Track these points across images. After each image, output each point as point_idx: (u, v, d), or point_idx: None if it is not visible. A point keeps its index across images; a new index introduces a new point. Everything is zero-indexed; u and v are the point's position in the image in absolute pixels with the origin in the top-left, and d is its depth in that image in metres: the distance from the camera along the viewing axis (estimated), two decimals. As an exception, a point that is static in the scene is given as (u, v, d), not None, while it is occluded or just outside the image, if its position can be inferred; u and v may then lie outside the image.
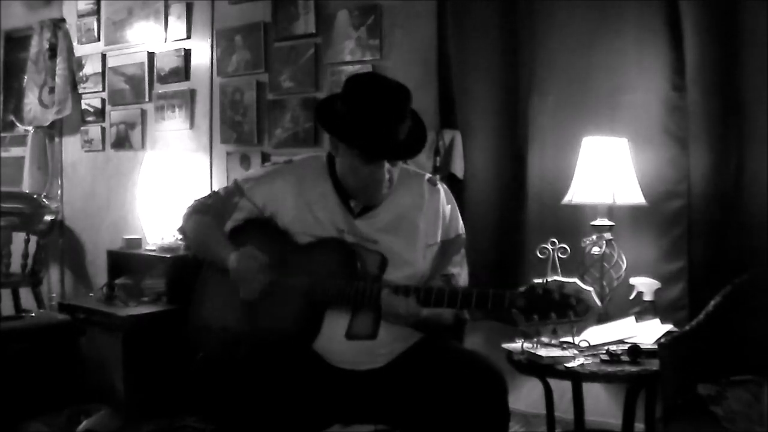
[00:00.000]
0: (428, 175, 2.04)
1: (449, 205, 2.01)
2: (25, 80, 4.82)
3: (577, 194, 2.66)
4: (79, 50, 4.68)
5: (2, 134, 5.08)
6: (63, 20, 4.70)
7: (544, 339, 2.36)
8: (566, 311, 1.64)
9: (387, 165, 1.83)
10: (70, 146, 4.79)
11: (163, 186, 4.07)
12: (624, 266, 2.64)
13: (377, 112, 1.80)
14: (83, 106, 4.67)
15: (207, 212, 2.07)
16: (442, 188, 2.02)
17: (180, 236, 2.23)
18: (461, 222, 2.04)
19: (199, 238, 2.07)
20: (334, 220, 1.93)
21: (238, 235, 2.03)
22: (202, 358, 2.07)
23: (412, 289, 1.78)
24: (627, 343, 2.31)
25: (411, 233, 1.93)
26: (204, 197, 2.14)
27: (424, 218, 1.95)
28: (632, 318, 2.53)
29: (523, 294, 1.67)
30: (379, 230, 1.92)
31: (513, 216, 3.07)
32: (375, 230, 1.92)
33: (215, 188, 2.40)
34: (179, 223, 2.15)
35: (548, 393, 2.60)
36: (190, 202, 2.15)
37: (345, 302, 1.86)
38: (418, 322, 1.86)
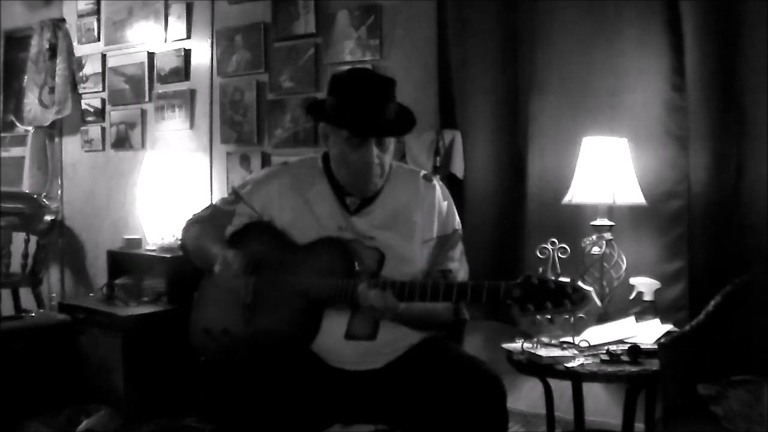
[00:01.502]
0: (423, 172, 2.05)
1: (445, 201, 2.01)
2: (25, 80, 4.82)
3: (577, 194, 2.66)
4: (79, 50, 4.68)
5: (2, 134, 5.08)
6: (63, 20, 4.70)
7: (544, 339, 2.36)
8: (562, 300, 1.64)
9: (376, 151, 1.85)
10: (70, 146, 4.79)
11: (163, 186, 4.07)
12: (624, 266, 2.63)
13: (362, 93, 1.84)
14: (83, 106, 4.66)
15: (205, 222, 2.09)
16: (437, 184, 2.03)
17: (181, 251, 2.23)
18: (458, 218, 2.04)
19: (197, 247, 2.07)
20: (332, 218, 1.94)
21: (238, 239, 2.03)
22: (204, 362, 2.07)
23: (389, 282, 1.78)
24: (627, 343, 2.31)
25: (407, 229, 1.94)
26: (202, 210, 2.15)
27: (420, 214, 1.96)
28: (632, 318, 2.53)
29: (519, 284, 1.67)
30: (375, 227, 1.92)
31: (513, 216, 3.07)
32: (371, 227, 1.92)
33: (212, 196, 2.40)
34: (179, 238, 2.17)
35: (548, 393, 2.60)
36: (188, 216, 2.16)
37: (332, 300, 1.86)
38: (409, 317, 1.86)
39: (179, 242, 2.19)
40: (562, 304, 1.63)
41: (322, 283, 1.86)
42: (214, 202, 2.17)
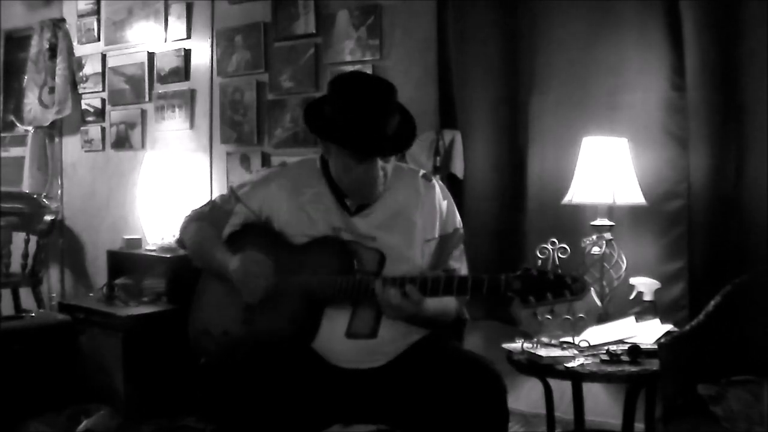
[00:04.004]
0: (423, 171, 2.05)
1: (445, 201, 2.01)
2: (25, 80, 4.82)
3: (577, 194, 2.66)
4: (79, 50, 4.68)
5: (2, 134, 5.08)
6: (63, 20, 4.70)
7: (544, 339, 2.37)
8: (562, 290, 1.64)
9: (380, 162, 1.84)
10: (70, 146, 4.79)
11: (163, 186, 4.07)
12: (624, 266, 2.63)
13: (363, 110, 1.81)
14: (83, 106, 4.67)
15: (204, 220, 2.09)
16: (437, 184, 2.03)
17: (179, 247, 2.23)
18: (458, 217, 2.04)
19: (198, 245, 2.07)
20: (330, 219, 1.93)
21: (235, 239, 2.03)
22: (204, 363, 2.07)
23: (408, 279, 1.77)
24: (627, 343, 2.31)
25: (408, 229, 1.94)
26: (200, 206, 2.15)
27: (421, 214, 1.96)
28: (632, 318, 2.53)
29: (519, 276, 1.67)
30: (376, 227, 1.92)
31: (513, 216, 3.07)
32: (372, 227, 1.92)
33: (212, 196, 2.39)
34: (177, 234, 2.17)
35: (548, 393, 2.60)
36: (187, 213, 2.16)
37: (343, 298, 1.85)
38: (421, 317, 1.86)
39: (177, 237, 2.18)
40: (562, 294, 1.64)
41: (328, 281, 1.86)
42: (213, 199, 2.17)
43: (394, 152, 1.89)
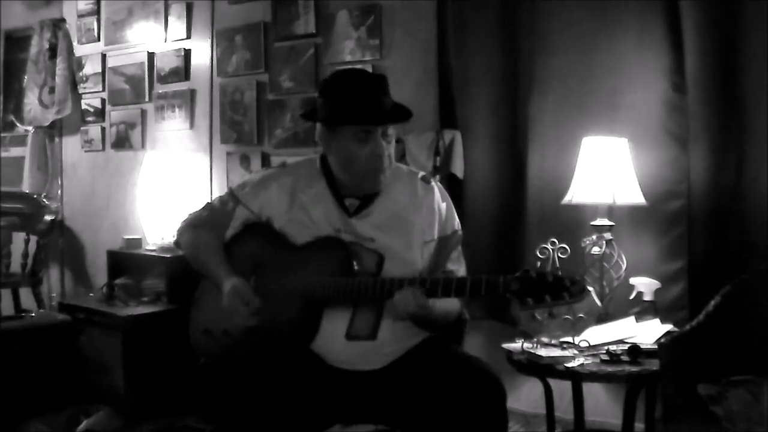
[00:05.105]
0: (422, 173, 2.06)
1: (444, 203, 2.02)
2: (25, 80, 4.82)
3: (577, 194, 2.66)
4: (79, 50, 4.68)
5: (2, 134, 5.08)
6: (63, 20, 4.70)
7: (544, 339, 2.36)
8: (561, 293, 1.63)
9: (383, 142, 1.86)
10: (70, 146, 4.80)
11: (163, 186, 4.07)
12: (624, 266, 2.64)
13: (358, 87, 1.87)
14: (83, 106, 4.67)
15: (203, 225, 2.08)
16: (436, 186, 2.03)
17: (177, 248, 2.23)
18: (457, 219, 2.05)
19: (196, 254, 2.07)
20: (330, 220, 1.93)
21: (236, 240, 2.03)
22: (204, 363, 2.07)
23: (407, 280, 1.77)
24: (627, 343, 2.31)
25: (407, 231, 1.94)
26: (199, 210, 2.14)
27: (420, 216, 1.96)
28: (632, 318, 2.53)
29: (517, 278, 1.67)
30: (374, 228, 1.92)
31: (513, 216, 3.08)
32: (371, 228, 1.92)
33: (212, 196, 2.38)
34: (175, 237, 2.16)
35: (548, 393, 2.60)
36: (185, 216, 2.15)
37: (347, 299, 1.85)
38: (426, 318, 1.86)
39: (174, 240, 2.18)
40: (561, 296, 1.63)
41: (330, 282, 1.85)
42: (210, 201, 2.16)
43: (396, 120, 1.90)
